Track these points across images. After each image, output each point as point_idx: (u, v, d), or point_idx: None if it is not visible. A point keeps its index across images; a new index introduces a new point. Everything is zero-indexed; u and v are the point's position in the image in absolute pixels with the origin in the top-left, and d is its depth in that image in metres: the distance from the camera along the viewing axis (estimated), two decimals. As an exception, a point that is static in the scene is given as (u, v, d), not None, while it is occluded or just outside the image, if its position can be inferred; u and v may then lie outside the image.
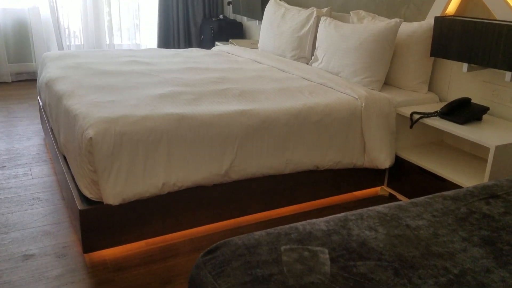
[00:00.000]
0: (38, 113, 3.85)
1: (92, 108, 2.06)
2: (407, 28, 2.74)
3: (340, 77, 2.86)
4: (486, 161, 2.44)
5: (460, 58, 2.39)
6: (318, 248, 1.16)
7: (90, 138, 1.86)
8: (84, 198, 1.99)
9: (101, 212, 1.96)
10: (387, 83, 2.88)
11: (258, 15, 4.35)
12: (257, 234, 1.21)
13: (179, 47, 5.34)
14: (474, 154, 2.58)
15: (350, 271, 1.08)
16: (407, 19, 2.93)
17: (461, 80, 2.64)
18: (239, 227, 2.31)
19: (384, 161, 2.50)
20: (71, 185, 2.11)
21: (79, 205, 1.95)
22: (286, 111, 2.28)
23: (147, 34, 5.42)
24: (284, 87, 2.62)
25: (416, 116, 2.42)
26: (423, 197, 1.50)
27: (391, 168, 2.60)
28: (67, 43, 5.05)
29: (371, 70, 2.70)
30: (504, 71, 2.31)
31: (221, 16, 5.30)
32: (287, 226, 1.26)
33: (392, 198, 2.66)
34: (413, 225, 1.31)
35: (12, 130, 3.49)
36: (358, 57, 2.74)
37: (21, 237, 2.16)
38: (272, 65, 3.23)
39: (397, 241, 1.23)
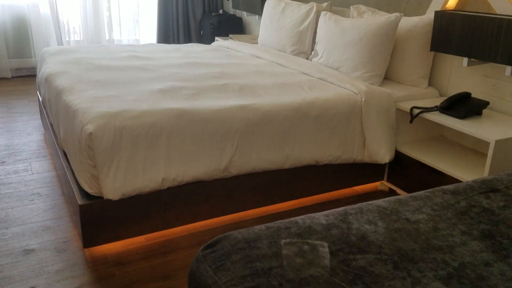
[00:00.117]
0: (38, 109, 3.85)
1: (91, 103, 2.06)
2: (407, 22, 2.73)
3: (340, 72, 2.86)
4: (486, 155, 2.44)
5: (460, 53, 2.39)
6: (318, 242, 1.16)
7: (90, 133, 1.86)
8: (84, 193, 1.99)
9: (101, 207, 1.96)
10: (387, 77, 2.88)
11: (258, 10, 4.34)
12: (257, 228, 1.22)
13: (178, 43, 5.33)
14: (474, 148, 2.58)
15: (350, 265, 1.08)
16: (407, 14, 2.92)
17: (461, 75, 2.63)
18: (239, 222, 2.32)
19: (384, 156, 2.50)
20: (71, 180, 2.11)
21: (79, 200, 1.95)
22: (286, 106, 2.28)
23: (147, 29, 5.40)
24: (284, 82, 2.62)
25: (416, 111, 2.42)
26: (422, 191, 1.50)
27: (391, 163, 2.61)
28: (67, 39, 5.05)
29: (371, 65, 2.70)
30: (504, 66, 2.31)
31: (220, 11, 5.29)
32: (287, 220, 1.27)
33: (392, 193, 2.67)
34: (413, 219, 1.31)
35: (12, 126, 3.49)
36: (358, 51, 2.74)
37: (22, 232, 2.16)
38: (272, 60, 3.22)
39: (396, 234, 1.23)
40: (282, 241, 1.15)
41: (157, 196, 2.06)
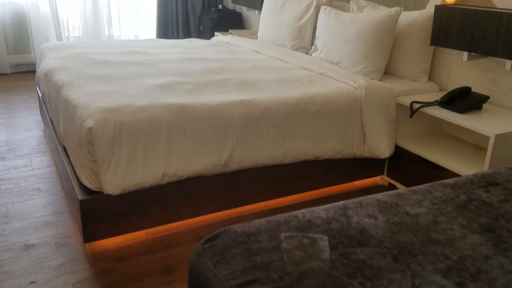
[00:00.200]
0: (37, 104, 3.85)
1: (91, 98, 2.06)
2: (407, 17, 2.72)
3: (340, 66, 2.85)
4: (486, 150, 2.44)
5: (460, 47, 2.38)
6: (318, 235, 1.16)
7: (90, 128, 1.86)
8: (84, 188, 1.99)
9: (101, 202, 1.96)
10: (387, 72, 2.88)
11: (257, 5, 4.32)
12: (257, 222, 1.22)
13: (178, 38, 5.31)
14: (474, 143, 2.58)
15: (350, 258, 1.09)
16: (407, 8, 2.91)
17: (461, 69, 2.63)
18: (239, 217, 2.32)
19: (384, 150, 2.50)
20: (71, 176, 2.11)
21: (79, 195, 1.95)
22: (285, 101, 2.28)
23: (146, 25, 5.39)
24: (284, 77, 2.61)
25: (416, 106, 2.41)
26: (422, 185, 1.50)
27: (391, 158, 2.60)
28: (66, 35, 5.03)
29: (371, 60, 2.69)
30: (505, 60, 2.30)
31: (220, 6, 5.27)
32: (287, 214, 1.27)
33: (392, 187, 2.67)
34: (413, 213, 1.31)
35: (12, 122, 3.49)
36: (358, 46, 2.73)
37: (22, 227, 2.16)
38: (271, 55, 3.22)
39: (396, 228, 1.23)
40: (282, 235, 1.15)
41: (157, 191, 2.06)
